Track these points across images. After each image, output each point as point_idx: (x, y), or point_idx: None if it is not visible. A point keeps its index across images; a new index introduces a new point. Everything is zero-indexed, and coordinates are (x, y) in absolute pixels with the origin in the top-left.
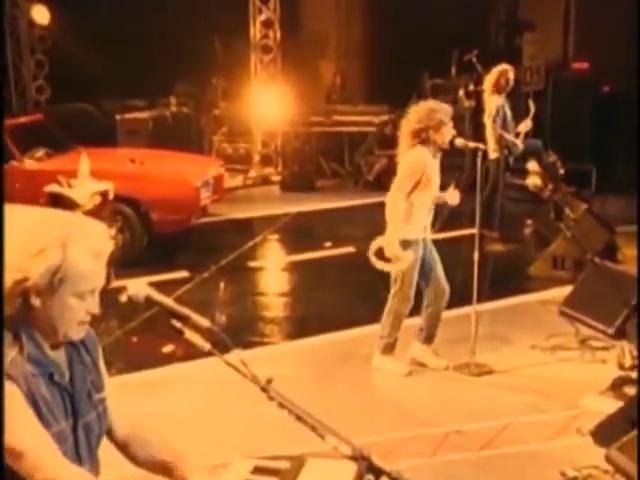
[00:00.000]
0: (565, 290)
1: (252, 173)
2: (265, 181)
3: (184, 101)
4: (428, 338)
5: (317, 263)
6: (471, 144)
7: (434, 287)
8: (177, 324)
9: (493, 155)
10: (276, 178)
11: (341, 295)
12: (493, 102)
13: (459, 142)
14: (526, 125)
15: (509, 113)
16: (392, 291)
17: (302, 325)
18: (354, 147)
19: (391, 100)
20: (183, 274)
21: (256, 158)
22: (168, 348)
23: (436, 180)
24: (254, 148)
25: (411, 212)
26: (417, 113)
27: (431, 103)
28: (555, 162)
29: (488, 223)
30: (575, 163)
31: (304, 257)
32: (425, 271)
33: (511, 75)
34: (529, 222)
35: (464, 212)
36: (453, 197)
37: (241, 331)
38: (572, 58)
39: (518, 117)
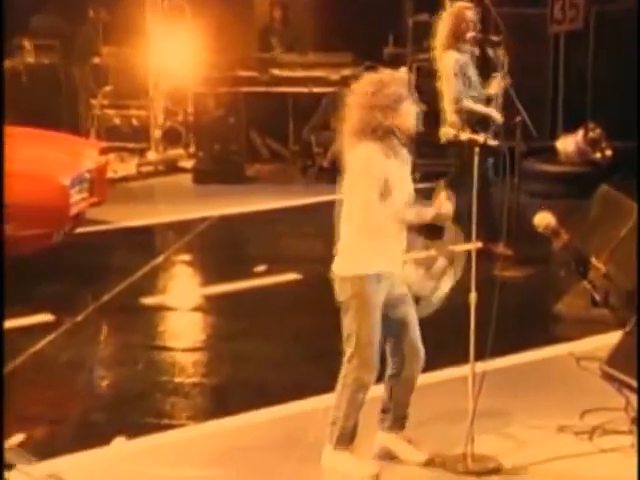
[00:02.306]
0: (610, 339)
1: (151, 156)
2: (170, 168)
3: (45, 45)
4: (396, 422)
5: (246, 298)
6: (463, 135)
7: (403, 347)
8: None
9: (462, 136)
10: (187, 163)
11: (280, 349)
12: (450, 59)
13: (445, 132)
14: (499, 84)
15: (475, 74)
16: (346, 355)
17: (221, 397)
18: (302, 117)
19: (357, 46)
20: (45, 318)
21: (156, 133)
22: None
23: (402, 189)
24: (153, 118)
25: (369, 234)
26: (362, 90)
27: (378, 74)
28: (599, 139)
29: (490, 235)
30: (625, 140)
31: (227, 289)
32: (391, 323)
33: (471, 15)
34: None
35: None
36: (445, 208)
37: (130, 407)
38: None
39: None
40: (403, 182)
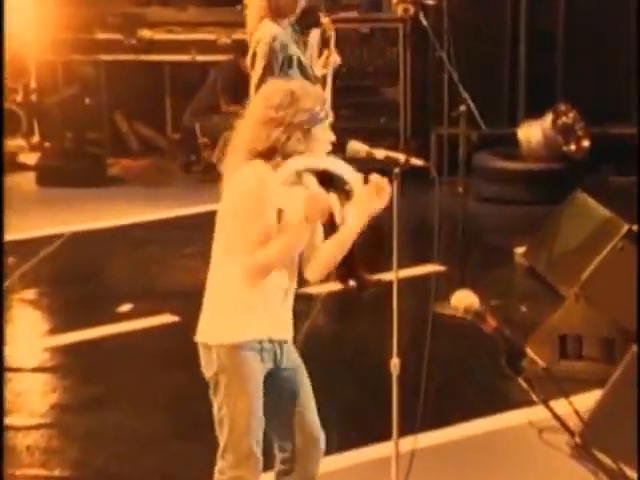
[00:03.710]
0: (583, 402)
1: None
2: (7, 165)
3: None
4: None
5: (105, 351)
6: (378, 152)
7: (295, 433)
8: None
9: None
10: (29, 159)
11: (148, 420)
12: (266, 32)
13: (353, 148)
14: (325, 63)
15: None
16: (219, 448)
17: None
18: (183, 95)
19: None
20: None
21: None
22: None
23: None
24: None
25: (250, 292)
26: (265, 103)
27: (289, 83)
28: (572, 125)
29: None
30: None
31: (79, 338)
32: (279, 402)
33: None
34: (519, 251)
35: None
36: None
37: None
38: None
39: None
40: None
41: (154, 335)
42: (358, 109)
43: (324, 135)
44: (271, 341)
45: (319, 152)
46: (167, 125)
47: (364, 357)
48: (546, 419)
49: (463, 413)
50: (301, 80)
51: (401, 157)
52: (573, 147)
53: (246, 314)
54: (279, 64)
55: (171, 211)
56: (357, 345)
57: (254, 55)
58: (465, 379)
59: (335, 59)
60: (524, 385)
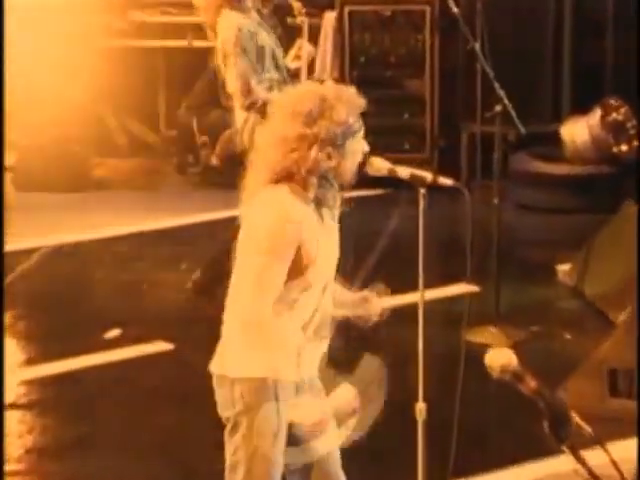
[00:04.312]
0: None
1: None
2: None
3: None
4: None
5: (89, 384)
6: (403, 170)
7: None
8: None
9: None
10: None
11: (139, 466)
12: (229, 24)
13: (375, 165)
14: (300, 52)
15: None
16: None
17: None
18: (179, 87)
19: None
20: None
21: None
22: None
23: (327, 260)
24: None
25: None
26: (291, 113)
27: (320, 87)
28: (624, 123)
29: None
30: None
31: (60, 369)
32: (300, 452)
33: None
34: (562, 268)
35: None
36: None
37: None
38: None
39: None
40: (330, 250)
41: (145, 366)
42: (378, 104)
43: (358, 146)
44: (303, 381)
45: (351, 170)
46: (160, 120)
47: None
48: (595, 466)
49: (499, 461)
50: (333, 84)
51: (428, 176)
52: (625, 147)
53: (281, 348)
54: (254, 58)
55: (165, 221)
56: None
57: (224, 55)
58: (501, 421)
59: (309, 50)
60: (569, 453)
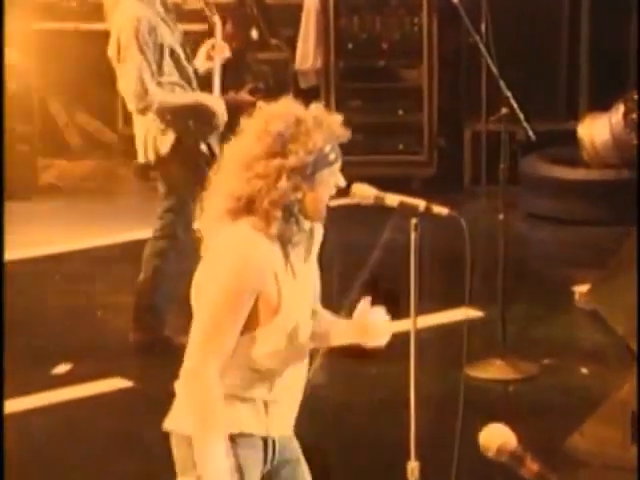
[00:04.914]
0: None
1: None
2: None
3: None
4: None
5: (35, 427)
6: (391, 198)
7: None
8: None
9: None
10: None
11: None
12: (127, 13)
13: (359, 192)
14: (213, 51)
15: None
16: None
17: None
18: None
19: None
20: None
21: None
22: None
23: (299, 307)
24: None
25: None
26: (260, 131)
27: (293, 105)
28: None
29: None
30: None
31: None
32: None
33: None
34: (580, 290)
35: None
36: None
37: None
38: None
39: None
40: (299, 294)
41: (100, 406)
42: (369, 98)
43: (331, 179)
44: (273, 438)
45: (322, 204)
46: (118, 116)
47: (375, 458)
48: None
49: None
50: (319, 108)
51: (420, 204)
52: None
53: (247, 402)
54: (152, 54)
55: (122, 234)
56: (361, 435)
57: (118, 47)
58: (507, 475)
59: (222, 49)
60: None
